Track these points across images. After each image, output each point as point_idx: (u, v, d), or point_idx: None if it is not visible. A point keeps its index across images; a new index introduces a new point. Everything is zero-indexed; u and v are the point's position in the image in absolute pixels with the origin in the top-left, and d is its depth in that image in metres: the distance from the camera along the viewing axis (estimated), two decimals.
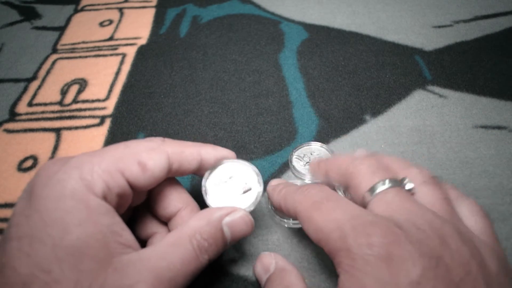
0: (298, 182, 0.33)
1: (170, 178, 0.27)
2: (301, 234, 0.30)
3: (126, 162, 0.23)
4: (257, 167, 0.35)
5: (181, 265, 0.21)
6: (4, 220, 0.33)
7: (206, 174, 0.27)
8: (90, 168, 0.22)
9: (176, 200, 0.26)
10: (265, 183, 0.34)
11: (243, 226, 0.25)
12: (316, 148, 0.36)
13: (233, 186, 0.27)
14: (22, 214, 0.21)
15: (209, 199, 0.26)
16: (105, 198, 0.22)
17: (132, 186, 0.23)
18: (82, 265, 0.19)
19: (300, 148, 0.36)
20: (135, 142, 0.25)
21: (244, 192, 0.27)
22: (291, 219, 0.30)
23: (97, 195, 0.21)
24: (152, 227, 0.27)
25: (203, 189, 0.26)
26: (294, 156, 0.35)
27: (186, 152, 0.26)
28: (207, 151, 0.27)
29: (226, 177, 0.27)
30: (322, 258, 0.28)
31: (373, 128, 0.38)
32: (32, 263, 0.19)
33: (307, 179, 0.33)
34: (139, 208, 0.27)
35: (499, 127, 0.37)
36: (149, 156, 0.24)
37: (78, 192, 0.21)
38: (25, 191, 0.22)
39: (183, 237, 0.22)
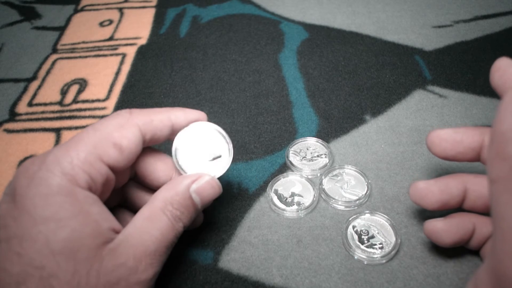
0: (297, 177, 0.33)
1: (152, 150, 0.27)
2: (300, 234, 0.30)
3: (102, 147, 0.23)
4: (257, 167, 0.35)
5: (161, 236, 0.23)
6: None
7: (177, 136, 0.27)
8: (69, 161, 0.22)
9: (165, 171, 0.27)
10: (265, 183, 0.34)
11: (210, 190, 0.25)
12: (312, 143, 0.36)
13: (203, 151, 0.27)
14: (9, 215, 0.21)
15: (179, 162, 0.26)
16: (90, 188, 0.22)
17: (112, 169, 0.24)
18: (79, 255, 0.20)
19: (296, 144, 0.36)
20: (102, 122, 0.24)
21: (213, 159, 0.27)
22: None
23: (82, 187, 0.22)
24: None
25: (173, 152, 0.27)
26: (291, 152, 0.35)
27: (156, 120, 0.26)
28: (177, 115, 0.26)
29: (196, 140, 0.27)
30: (322, 258, 0.28)
31: (373, 128, 0.38)
32: (24, 262, 0.20)
33: (304, 174, 0.34)
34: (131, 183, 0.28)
35: None
36: (121, 134, 0.24)
37: (64, 187, 0.21)
38: (7, 194, 0.22)
39: (156, 210, 0.23)
